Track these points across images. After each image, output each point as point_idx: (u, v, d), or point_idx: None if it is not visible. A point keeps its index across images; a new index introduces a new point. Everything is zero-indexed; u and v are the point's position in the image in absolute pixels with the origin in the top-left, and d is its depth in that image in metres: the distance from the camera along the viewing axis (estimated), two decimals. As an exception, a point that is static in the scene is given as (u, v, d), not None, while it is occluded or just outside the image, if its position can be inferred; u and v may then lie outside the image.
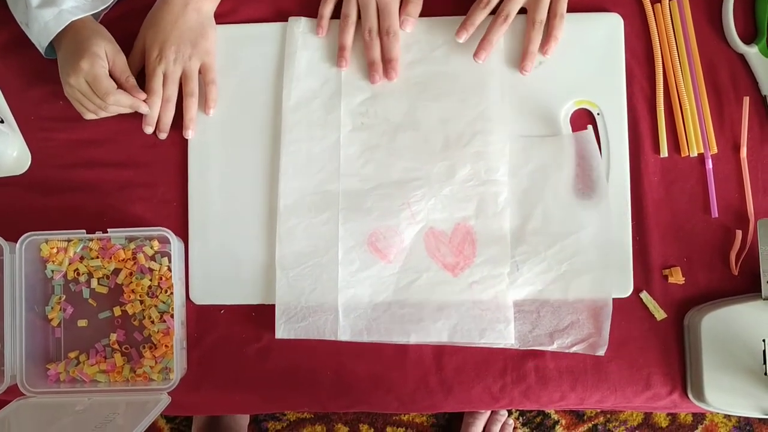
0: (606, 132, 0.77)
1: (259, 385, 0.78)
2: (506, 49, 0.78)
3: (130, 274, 0.78)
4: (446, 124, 0.77)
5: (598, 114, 0.77)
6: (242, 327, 0.78)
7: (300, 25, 0.80)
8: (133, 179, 0.79)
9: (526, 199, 0.76)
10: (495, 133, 0.76)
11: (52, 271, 0.78)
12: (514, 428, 1.23)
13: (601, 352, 0.74)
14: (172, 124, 0.78)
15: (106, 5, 0.77)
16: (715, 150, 0.77)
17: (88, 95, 0.74)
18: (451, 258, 0.76)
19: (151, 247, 0.77)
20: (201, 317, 0.78)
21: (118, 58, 0.75)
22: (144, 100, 0.75)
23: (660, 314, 0.76)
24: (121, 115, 0.77)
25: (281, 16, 0.80)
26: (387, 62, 0.77)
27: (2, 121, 0.79)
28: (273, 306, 0.76)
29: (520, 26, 0.77)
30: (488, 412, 1.20)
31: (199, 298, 0.78)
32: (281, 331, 0.76)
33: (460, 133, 0.77)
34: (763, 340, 0.71)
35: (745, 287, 0.76)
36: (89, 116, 0.77)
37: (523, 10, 0.76)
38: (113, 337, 0.77)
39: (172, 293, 0.76)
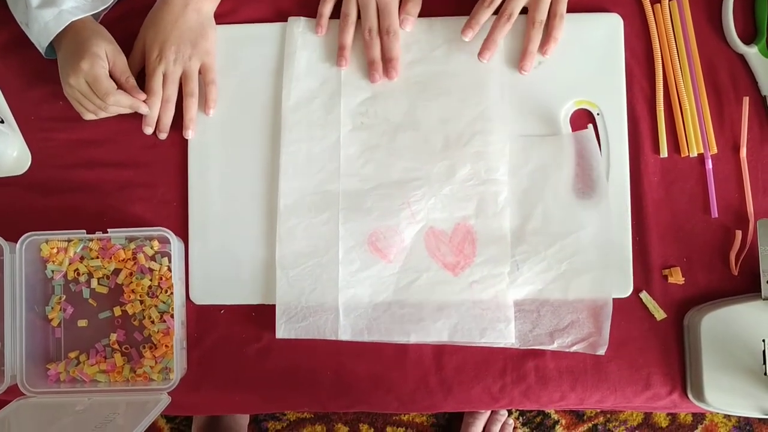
0: (606, 132, 0.77)
1: (259, 385, 0.78)
2: (506, 49, 0.78)
3: (130, 274, 0.78)
4: (446, 123, 0.77)
5: (597, 114, 0.77)
6: (242, 327, 0.78)
7: (300, 25, 0.80)
8: (133, 179, 0.79)
9: (526, 198, 0.76)
10: (495, 133, 0.76)
11: (53, 271, 0.78)
12: (514, 428, 1.23)
13: (602, 352, 0.74)
14: (172, 125, 0.78)
15: (106, 5, 0.77)
16: (714, 150, 0.77)
17: (87, 95, 0.74)
18: (451, 257, 0.76)
19: (151, 247, 0.77)
20: (201, 317, 0.78)
21: (118, 58, 0.75)
22: (144, 101, 0.75)
23: (660, 314, 0.76)
24: (121, 116, 0.77)
25: (281, 17, 0.80)
26: (387, 61, 0.77)
27: (2, 121, 0.79)
28: (273, 306, 0.76)
29: (521, 26, 0.77)
30: (488, 412, 1.20)
31: (199, 298, 0.78)
32: (282, 331, 0.76)
33: (460, 132, 0.77)
34: (763, 340, 0.71)
35: (745, 287, 0.76)
36: (89, 116, 0.77)
37: (524, 10, 0.76)
38: (113, 337, 0.77)
39: (172, 293, 0.76)
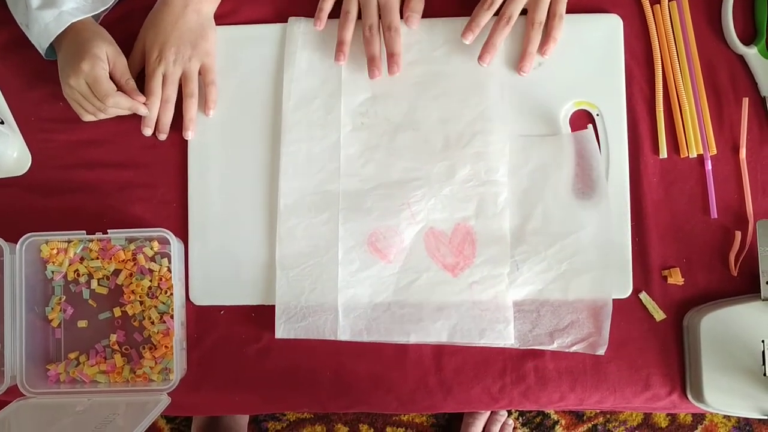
0: (605, 133, 0.77)
1: (259, 386, 0.78)
2: (506, 50, 0.78)
3: (130, 274, 0.78)
4: (446, 124, 0.77)
5: (597, 115, 0.77)
6: (242, 327, 0.78)
7: (300, 25, 0.80)
8: (133, 180, 0.79)
9: (526, 198, 0.76)
10: (495, 134, 0.77)
11: (53, 271, 0.78)
12: (514, 428, 1.23)
13: (601, 352, 0.74)
14: (172, 125, 0.78)
15: (106, 7, 0.77)
16: (714, 151, 0.77)
17: (87, 97, 0.74)
18: (450, 258, 0.76)
19: (151, 248, 0.77)
20: (201, 318, 0.78)
21: (118, 60, 0.75)
22: (143, 103, 0.76)
23: (659, 315, 0.76)
24: (121, 116, 0.77)
25: (281, 18, 0.80)
26: (390, 56, 0.77)
27: (2, 122, 0.79)
28: (272, 306, 0.76)
29: (521, 27, 0.77)
30: (488, 413, 1.20)
31: (199, 298, 0.78)
32: (281, 331, 0.76)
33: (460, 133, 0.77)
34: (762, 341, 0.71)
35: (745, 288, 0.76)
36: (88, 118, 0.77)
37: (523, 12, 0.76)
38: (113, 337, 0.77)
39: (171, 294, 0.76)
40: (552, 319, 0.75)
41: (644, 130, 0.78)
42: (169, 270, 0.77)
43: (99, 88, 0.73)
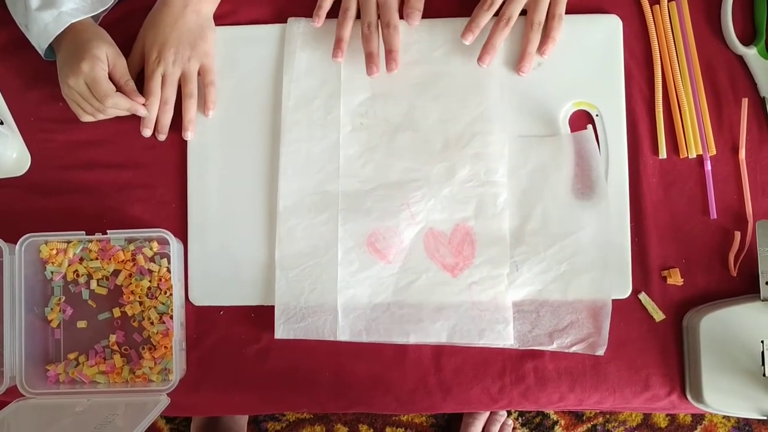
0: (605, 133, 0.77)
1: (259, 386, 0.78)
2: (506, 50, 0.78)
3: (130, 275, 0.78)
4: (446, 124, 0.77)
5: (597, 115, 0.77)
6: (241, 328, 0.78)
7: (299, 25, 0.80)
8: (133, 181, 0.79)
9: (526, 199, 0.76)
10: (494, 134, 0.77)
11: (52, 272, 0.78)
12: (514, 428, 1.23)
13: (601, 352, 0.74)
14: (171, 126, 0.78)
15: (106, 7, 0.77)
16: (713, 151, 0.77)
17: (86, 97, 0.74)
18: (450, 259, 0.76)
19: (151, 249, 0.77)
20: (200, 318, 0.78)
21: (118, 61, 0.75)
22: (142, 104, 0.76)
23: (659, 315, 0.76)
24: (120, 117, 0.77)
25: (280, 18, 0.80)
26: (387, 53, 0.77)
27: (2, 123, 0.79)
28: (272, 307, 0.76)
29: (520, 28, 0.77)
30: (487, 413, 1.20)
31: (199, 299, 0.78)
32: (280, 332, 0.76)
33: (459, 133, 0.77)
34: (762, 342, 0.71)
35: (744, 288, 0.76)
36: (86, 118, 0.77)
37: (523, 12, 0.76)
38: (113, 338, 0.77)
39: (171, 294, 0.76)
40: (551, 320, 0.75)
41: (644, 130, 0.78)
42: (169, 270, 0.77)
43: (98, 88, 0.73)
